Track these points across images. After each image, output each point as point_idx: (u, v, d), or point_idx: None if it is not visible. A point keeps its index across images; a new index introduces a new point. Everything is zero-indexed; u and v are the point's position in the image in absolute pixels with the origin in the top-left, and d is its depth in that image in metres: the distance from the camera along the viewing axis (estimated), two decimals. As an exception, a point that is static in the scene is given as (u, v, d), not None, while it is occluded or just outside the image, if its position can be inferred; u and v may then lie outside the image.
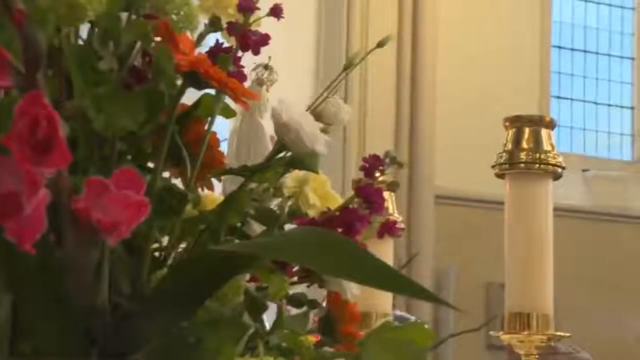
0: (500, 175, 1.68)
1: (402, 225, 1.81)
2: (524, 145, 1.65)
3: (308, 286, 1.17)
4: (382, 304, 1.71)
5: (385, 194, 1.90)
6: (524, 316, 1.62)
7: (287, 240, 0.85)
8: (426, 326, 0.86)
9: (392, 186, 1.82)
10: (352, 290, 1.09)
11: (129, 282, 0.99)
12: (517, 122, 1.66)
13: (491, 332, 1.68)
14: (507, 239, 1.66)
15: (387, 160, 0.98)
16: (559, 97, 9.66)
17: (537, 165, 1.64)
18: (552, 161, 1.64)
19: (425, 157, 8.30)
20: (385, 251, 1.77)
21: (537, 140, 1.64)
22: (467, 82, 8.46)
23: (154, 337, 0.95)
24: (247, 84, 1.10)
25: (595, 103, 9.87)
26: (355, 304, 1.13)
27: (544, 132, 1.65)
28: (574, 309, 8.97)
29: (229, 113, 1.13)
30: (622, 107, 9.96)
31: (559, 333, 1.64)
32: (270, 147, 3.98)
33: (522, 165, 1.64)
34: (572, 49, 9.73)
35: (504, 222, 1.68)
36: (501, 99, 7.97)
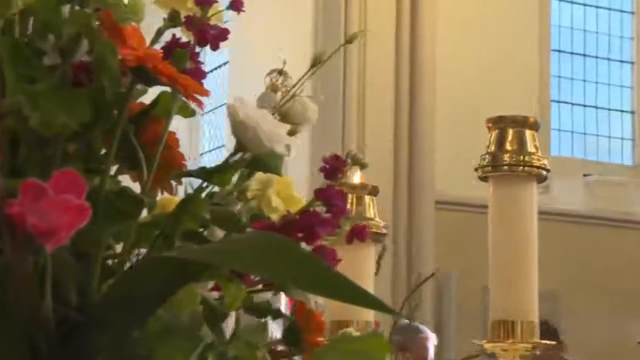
0: (483, 178, 1.63)
1: (385, 231, 1.75)
2: (508, 147, 1.59)
3: (274, 294, 1.12)
4: (362, 312, 1.66)
5: (367, 199, 1.86)
6: (508, 323, 1.56)
7: (233, 246, 0.79)
8: (383, 337, 0.81)
9: (374, 191, 1.77)
10: (317, 299, 1.04)
11: (78, 291, 0.94)
12: (500, 123, 1.60)
13: (474, 341, 1.62)
14: (491, 244, 1.60)
15: (349, 160, 0.92)
16: (559, 102, 9.61)
17: (521, 167, 1.58)
18: (537, 163, 1.58)
19: (425, 162, 8.26)
20: (365, 257, 1.72)
21: (521, 141, 1.58)
22: (466, 88, 8.41)
23: (103, 349, 0.89)
24: (205, 87, 1.05)
25: (596, 107, 9.81)
26: (321, 314, 1.08)
27: (528, 133, 1.59)
28: (576, 314, 8.92)
29: (187, 112, 1.07)
30: (622, 111, 9.91)
31: (544, 341, 1.57)
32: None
33: (506, 167, 1.58)
34: (572, 53, 9.68)
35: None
36: (500, 104, 7.92)
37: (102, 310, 0.91)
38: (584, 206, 9.36)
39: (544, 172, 1.59)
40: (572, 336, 7.63)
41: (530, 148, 1.58)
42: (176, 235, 0.99)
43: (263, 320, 1.02)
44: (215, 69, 9.44)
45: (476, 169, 1.61)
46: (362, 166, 0.94)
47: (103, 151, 1.02)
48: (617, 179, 9.58)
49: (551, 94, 9.40)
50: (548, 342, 1.58)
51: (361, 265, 1.70)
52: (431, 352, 4.36)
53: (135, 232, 1.00)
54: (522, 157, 1.57)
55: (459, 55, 8.51)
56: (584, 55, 9.73)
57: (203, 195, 1.06)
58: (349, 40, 1.13)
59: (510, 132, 1.58)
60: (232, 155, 0.98)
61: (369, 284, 1.72)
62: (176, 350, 0.91)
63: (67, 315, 0.90)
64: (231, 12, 1.07)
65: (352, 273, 1.67)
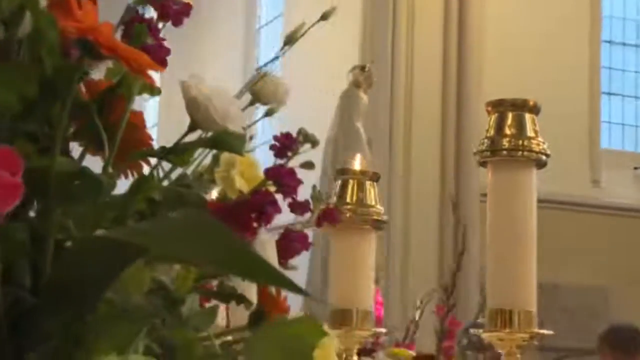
0: (482, 163, 1.58)
1: (385, 218, 1.72)
2: (507, 131, 1.54)
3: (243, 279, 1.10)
4: (362, 300, 1.62)
5: (368, 185, 1.83)
6: (505, 313, 1.51)
7: (157, 227, 0.77)
8: (316, 320, 0.78)
9: (374, 177, 1.74)
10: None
11: (32, 274, 0.92)
12: (499, 107, 1.56)
13: (471, 330, 1.58)
14: (489, 231, 1.55)
15: (301, 138, 0.89)
16: (609, 94, 9.45)
17: (520, 152, 1.53)
18: (536, 148, 1.53)
19: (471, 157, 8.17)
20: (365, 244, 1.69)
21: (520, 125, 1.53)
22: (514, 78, 8.30)
23: (54, 334, 0.88)
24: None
25: (648, 99, 9.64)
26: (286, 299, 1.06)
27: (527, 117, 1.54)
28: (625, 309, 8.76)
29: (153, 91, 1.05)
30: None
31: (543, 331, 1.53)
32: (367, 151, 3.84)
33: (505, 152, 1.53)
34: (624, 44, 9.51)
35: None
36: (550, 96, 7.81)
37: (51, 293, 0.90)
38: (634, 200, 9.20)
39: (544, 157, 1.54)
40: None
41: (530, 132, 1.53)
42: (129, 217, 0.97)
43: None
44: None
45: (475, 154, 1.57)
46: (314, 144, 0.91)
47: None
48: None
49: (602, 86, 9.24)
50: (545, 331, 1.53)
51: (362, 254, 1.67)
52: None
53: (96, 214, 0.99)
54: (521, 142, 1.52)
55: (508, 45, 8.40)
56: (636, 46, 9.55)
57: (173, 177, 1.04)
58: (323, 17, 1.10)
59: (510, 115, 1.54)
60: (185, 134, 0.96)
61: (368, 273, 1.69)
62: (120, 334, 0.89)
63: (19, 298, 0.89)
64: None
65: (353, 261, 1.65)
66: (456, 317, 2.53)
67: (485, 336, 1.52)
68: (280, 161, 0.90)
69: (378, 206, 1.70)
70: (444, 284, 2.58)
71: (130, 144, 1.06)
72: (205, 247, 0.68)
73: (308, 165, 0.92)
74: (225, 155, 1.07)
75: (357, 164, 1.68)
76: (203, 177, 1.11)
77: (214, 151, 1.08)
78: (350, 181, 1.69)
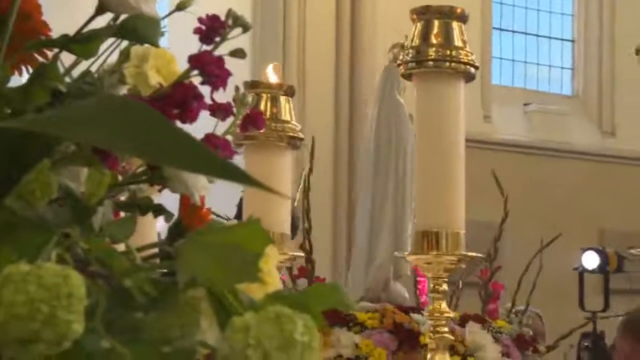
0: (406, 76, 1.47)
1: (301, 135, 1.60)
2: (433, 40, 1.44)
3: (160, 190, 0.97)
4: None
5: (283, 99, 1.70)
6: (432, 235, 1.42)
7: (77, 112, 0.63)
8: (260, 226, 0.66)
9: (289, 91, 1.62)
10: (200, 192, 0.89)
11: None
12: (425, 14, 1.44)
13: (396, 253, 1.48)
14: (417, 150, 1.45)
15: (230, 21, 0.77)
16: (500, 29, 9.48)
17: (448, 63, 1.42)
18: (465, 59, 1.43)
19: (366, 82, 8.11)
20: (281, 161, 1.57)
21: (447, 35, 1.43)
22: (405, 14, 8.22)
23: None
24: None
25: (537, 35, 9.71)
26: (209, 210, 0.93)
27: (455, 25, 1.43)
28: (516, 244, 8.89)
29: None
30: (562, 39, 9.82)
31: (471, 254, 1.44)
32: (411, 127, 3.74)
33: (431, 63, 1.43)
34: (514, -20, 9.55)
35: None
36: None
37: None
38: (523, 136, 9.30)
39: (472, 70, 1.44)
40: (512, 263, 7.60)
41: (458, 42, 1.43)
42: (28, 111, 0.83)
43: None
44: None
45: (399, 65, 1.46)
46: (245, 28, 0.78)
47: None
48: (556, 108, 9.52)
49: (493, 22, 9.26)
50: (474, 254, 1.45)
51: (279, 170, 1.55)
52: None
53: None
54: (448, 52, 1.42)
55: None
56: (526, -18, 9.61)
57: (79, 73, 0.91)
58: None
59: (436, 24, 1.43)
60: (91, 18, 0.82)
61: (286, 189, 1.57)
62: (24, 244, 0.76)
63: None
64: None
65: (269, 177, 1.53)
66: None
67: (412, 259, 1.42)
68: (206, 47, 0.77)
69: (294, 122, 1.58)
70: (487, 251, 2.53)
71: (24, 34, 0.92)
72: (134, 132, 0.56)
73: (239, 52, 0.79)
74: (137, 49, 0.93)
75: (270, 75, 1.54)
76: (111, 75, 0.97)
77: (123, 45, 0.94)
78: (264, 95, 1.56)
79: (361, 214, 3.12)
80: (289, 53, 7.74)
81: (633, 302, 6.21)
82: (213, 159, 0.53)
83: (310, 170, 1.85)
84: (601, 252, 7.69)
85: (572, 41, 9.83)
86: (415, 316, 2.04)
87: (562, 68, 9.84)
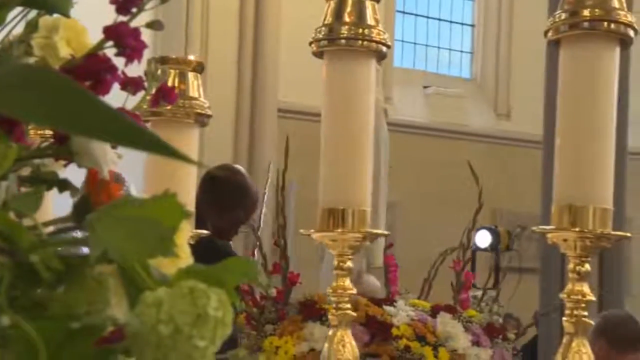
0: (318, 54, 1.47)
1: (209, 112, 1.58)
2: (346, 18, 1.44)
3: (65, 165, 0.95)
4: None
5: (191, 76, 1.69)
6: (337, 212, 1.42)
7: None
8: (176, 200, 0.65)
9: (198, 67, 1.60)
10: (110, 166, 0.87)
11: None
12: (338, -7, 1.44)
13: (301, 231, 1.49)
14: (323, 126, 1.45)
15: (147, -10, 0.75)
16: (403, 12, 9.56)
17: (360, 41, 1.43)
18: (377, 38, 1.43)
19: (270, 70, 8.09)
20: (188, 138, 1.55)
21: (360, 13, 1.43)
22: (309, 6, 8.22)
23: None
24: None
25: (439, 19, 9.82)
26: (118, 186, 0.91)
27: (369, 4, 1.44)
28: (412, 223, 9.02)
29: None
30: (463, 24, 9.96)
31: (376, 231, 1.45)
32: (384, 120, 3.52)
33: (343, 41, 1.43)
34: (416, -37, 9.63)
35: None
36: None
37: None
38: (422, 118, 9.42)
39: (384, 49, 1.45)
40: (409, 244, 7.70)
41: (370, 21, 1.43)
42: None
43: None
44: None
45: (310, 43, 1.46)
46: (163, -1, 0.76)
47: None
48: (455, 91, 9.66)
49: (396, 5, 9.33)
50: (380, 232, 1.46)
51: (186, 147, 1.53)
52: None
53: None
54: (360, 30, 1.42)
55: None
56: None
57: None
58: None
59: (350, 2, 1.43)
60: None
61: (189, 174, 1.55)
62: None
63: None
64: None
65: (172, 162, 1.50)
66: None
67: (317, 237, 1.43)
68: (122, 18, 0.75)
69: (202, 99, 1.56)
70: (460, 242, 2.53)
71: None
72: (49, 100, 0.54)
73: (156, 24, 0.77)
74: (46, 19, 0.91)
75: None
76: (18, 46, 0.94)
77: (30, 15, 0.91)
78: (171, 71, 1.54)
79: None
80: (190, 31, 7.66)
81: (522, 280, 6.35)
82: (136, 129, 0.52)
83: (285, 167, 1.83)
84: (493, 231, 7.85)
85: (472, 25, 9.98)
86: (388, 308, 2.05)
87: (462, 52, 9.99)
